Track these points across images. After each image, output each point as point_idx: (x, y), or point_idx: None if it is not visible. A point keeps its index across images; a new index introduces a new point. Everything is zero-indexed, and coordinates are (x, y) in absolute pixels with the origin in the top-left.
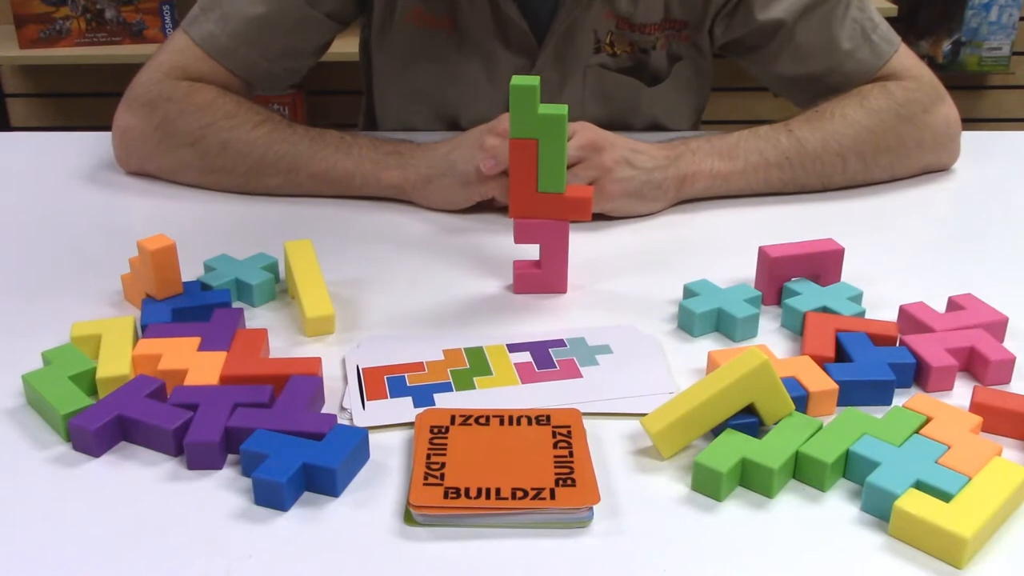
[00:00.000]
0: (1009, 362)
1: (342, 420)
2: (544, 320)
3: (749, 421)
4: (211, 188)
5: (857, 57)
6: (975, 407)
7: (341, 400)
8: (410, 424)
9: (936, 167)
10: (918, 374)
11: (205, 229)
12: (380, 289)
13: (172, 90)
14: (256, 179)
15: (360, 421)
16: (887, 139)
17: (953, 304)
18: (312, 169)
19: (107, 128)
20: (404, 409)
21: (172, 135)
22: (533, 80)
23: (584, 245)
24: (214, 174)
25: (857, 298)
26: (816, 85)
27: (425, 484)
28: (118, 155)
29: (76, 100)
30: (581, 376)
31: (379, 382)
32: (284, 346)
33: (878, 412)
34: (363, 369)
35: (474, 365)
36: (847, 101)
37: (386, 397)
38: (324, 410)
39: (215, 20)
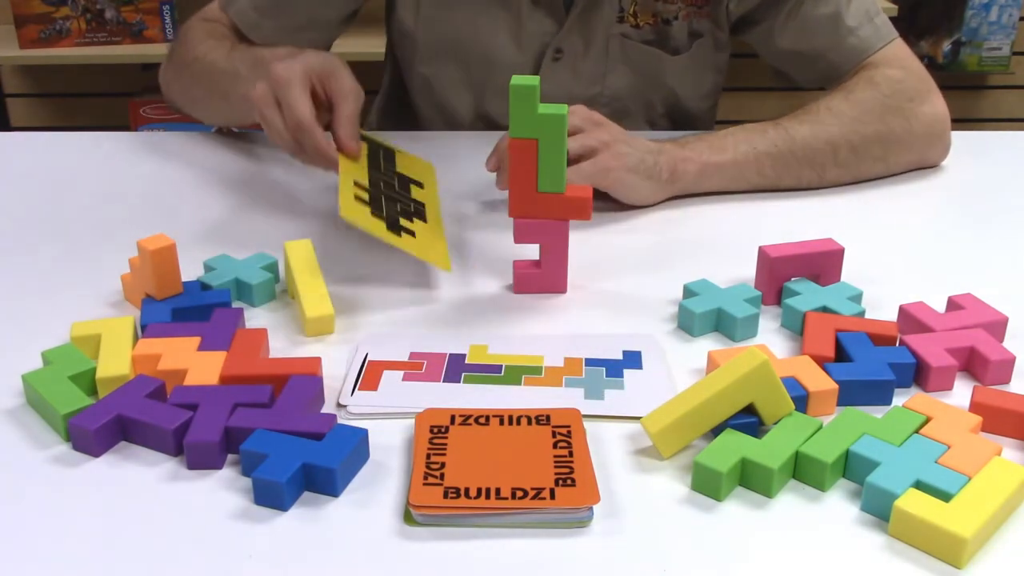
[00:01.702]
0: (1009, 362)
1: (342, 420)
2: (544, 320)
3: (749, 421)
4: (186, 110)
5: (860, 34)
6: (975, 407)
7: (338, 397)
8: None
9: (925, 163)
10: (918, 374)
11: (205, 229)
12: (380, 289)
13: (183, 31)
14: (204, 99)
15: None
16: (875, 128)
17: (953, 304)
18: (227, 79)
19: (107, 128)
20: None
21: (174, 55)
22: (533, 80)
23: (584, 245)
24: (194, 106)
25: (857, 298)
26: (818, 62)
27: (425, 484)
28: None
29: (76, 100)
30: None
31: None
32: (284, 346)
33: (878, 412)
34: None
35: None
36: (832, 96)
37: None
38: (324, 410)
39: None
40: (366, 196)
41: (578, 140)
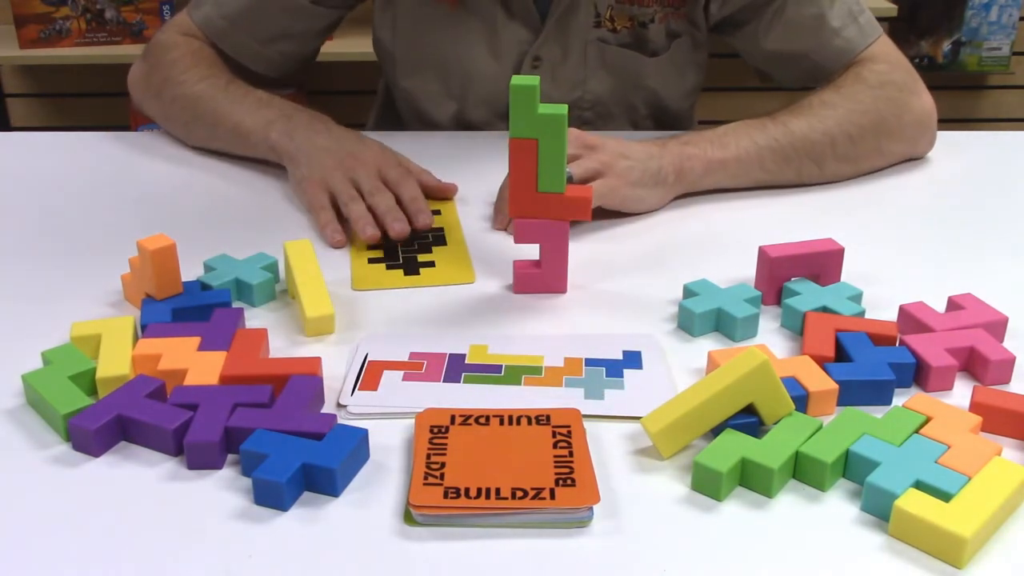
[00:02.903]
0: (1009, 362)
1: (342, 420)
2: (544, 320)
3: (749, 421)
4: (175, 136)
5: (844, 35)
6: (975, 407)
7: (338, 397)
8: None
9: (915, 153)
10: (918, 374)
11: (205, 229)
12: (380, 289)
13: (159, 46)
14: (193, 130)
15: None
16: (869, 118)
17: (953, 304)
18: (227, 124)
19: (107, 128)
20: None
21: (149, 86)
22: (533, 80)
23: (584, 245)
24: (169, 123)
25: (857, 298)
26: (803, 62)
27: (425, 484)
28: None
29: (76, 100)
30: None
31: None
32: (284, 346)
33: (878, 412)
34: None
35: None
36: (824, 90)
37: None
38: (324, 410)
39: (212, 2)
40: (380, 253)
41: (580, 166)
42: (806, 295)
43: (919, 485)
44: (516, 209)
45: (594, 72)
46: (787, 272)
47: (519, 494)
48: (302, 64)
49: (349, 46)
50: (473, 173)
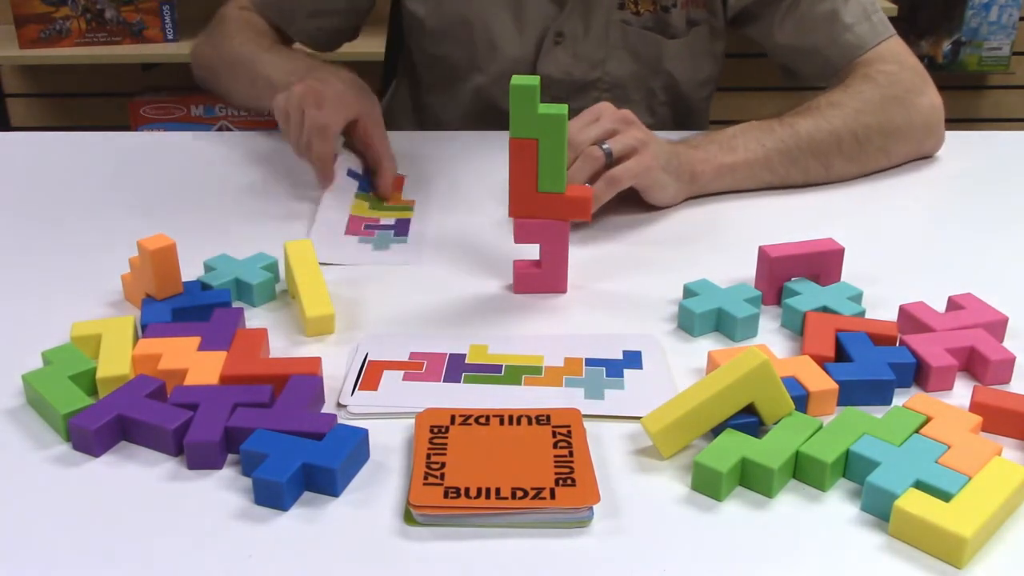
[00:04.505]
0: (1009, 362)
1: (342, 420)
2: (544, 320)
3: (749, 421)
4: (218, 94)
5: (856, 31)
6: (975, 407)
7: (338, 397)
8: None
9: (922, 153)
10: (918, 374)
11: (205, 229)
12: (380, 289)
13: (219, 18)
14: (231, 81)
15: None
16: (877, 118)
17: (953, 304)
18: (261, 74)
19: (107, 128)
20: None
21: (212, 34)
22: (533, 80)
23: (584, 245)
24: (214, 77)
25: (857, 298)
26: (815, 57)
27: (425, 484)
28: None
29: (76, 100)
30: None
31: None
32: (284, 346)
33: (878, 412)
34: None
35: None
36: (832, 91)
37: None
38: (324, 410)
39: None
40: None
41: (619, 141)
42: (806, 295)
43: (919, 485)
44: (516, 209)
45: (615, 52)
46: (787, 272)
47: (519, 494)
48: (344, 39)
49: (350, 46)
50: (475, 172)
